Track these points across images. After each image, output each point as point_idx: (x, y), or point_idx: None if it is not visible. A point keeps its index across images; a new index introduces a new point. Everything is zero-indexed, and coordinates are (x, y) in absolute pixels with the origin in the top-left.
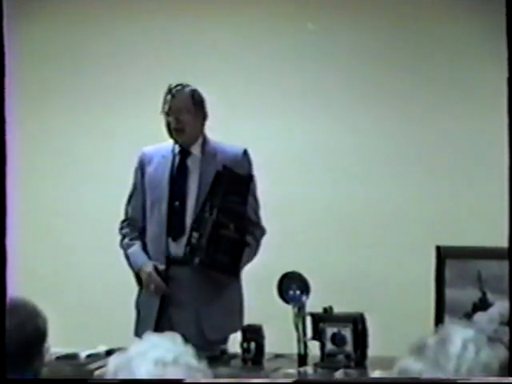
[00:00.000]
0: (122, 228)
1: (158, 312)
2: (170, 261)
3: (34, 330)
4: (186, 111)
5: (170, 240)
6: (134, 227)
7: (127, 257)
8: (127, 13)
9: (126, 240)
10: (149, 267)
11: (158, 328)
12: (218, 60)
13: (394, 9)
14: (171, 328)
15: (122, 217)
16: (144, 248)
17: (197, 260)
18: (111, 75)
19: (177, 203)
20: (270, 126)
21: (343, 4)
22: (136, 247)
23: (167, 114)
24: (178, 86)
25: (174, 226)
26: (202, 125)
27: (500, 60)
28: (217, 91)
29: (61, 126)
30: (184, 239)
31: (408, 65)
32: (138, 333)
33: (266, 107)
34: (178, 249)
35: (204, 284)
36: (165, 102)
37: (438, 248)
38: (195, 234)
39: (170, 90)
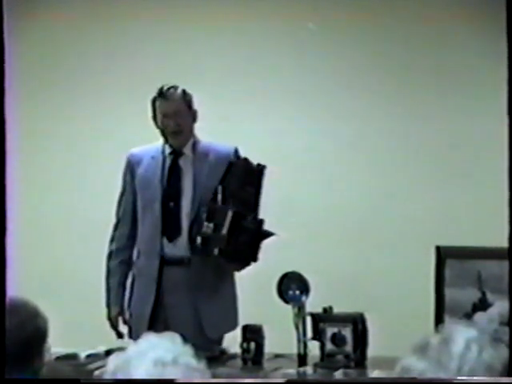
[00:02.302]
0: (112, 240)
1: (151, 313)
2: (165, 261)
3: (34, 330)
4: (182, 113)
5: (165, 240)
6: (123, 236)
7: (107, 284)
8: (126, 12)
9: (112, 263)
10: (112, 312)
11: (154, 329)
12: (213, 59)
13: (394, 9)
14: (168, 329)
15: None
16: (125, 275)
17: (216, 250)
18: (110, 74)
19: (171, 204)
20: (267, 125)
21: (344, 4)
22: (115, 280)
23: (164, 116)
24: (170, 88)
25: (170, 227)
26: (193, 125)
27: (500, 60)
28: (211, 91)
29: (60, 126)
30: (180, 239)
31: (408, 65)
32: (132, 334)
33: (263, 106)
34: (173, 249)
35: (200, 283)
36: (158, 104)
37: (438, 248)
38: (209, 225)
39: (161, 93)
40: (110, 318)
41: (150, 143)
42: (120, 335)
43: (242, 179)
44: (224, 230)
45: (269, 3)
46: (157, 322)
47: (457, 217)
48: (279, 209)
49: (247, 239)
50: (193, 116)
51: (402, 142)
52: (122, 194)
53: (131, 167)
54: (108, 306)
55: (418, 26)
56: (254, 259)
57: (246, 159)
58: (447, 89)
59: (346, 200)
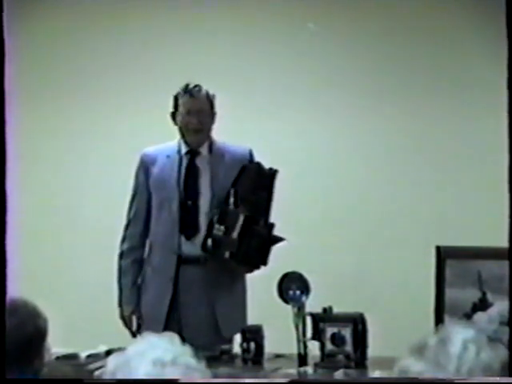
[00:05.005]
0: (123, 239)
1: (168, 312)
2: (182, 260)
3: (34, 330)
4: (205, 112)
5: (182, 239)
6: (136, 236)
7: (119, 283)
8: (127, 12)
9: (123, 262)
10: (126, 311)
11: (168, 329)
12: (220, 59)
13: (393, 8)
14: (182, 328)
15: (122, 217)
16: (138, 274)
17: (227, 254)
18: (112, 74)
19: (189, 202)
20: (273, 126)
21: (344, 3)
22: (128, 279)
23: (187, 113)
24: (196, 86)
25: (187, 225)
26: (212, 126)
27: (500, 60)
28: (220, 91)
29: (61, 127)
30: (197, 238)
31: (409, 65)
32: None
33: (271, 107)
34: (191, 248)
35: (216, 282)
36: (182, 101)
37: (438, 248)
38: (220, 227)
39: (187, 91)
40: (123, 317)
41: (159, 142)
42: (134, 334)
43: (255, 183)
44: (235, 234)
45: (268, 3)
46: (171, 322)
47: (457, 217)
48: (279, 209)
49: (258, 244)
50: (213, 117)
51: (403, 144)
52: (135, 194)
53: (145, 166)
54: (120, 305)
55: (418, 26)
56: (264, 263)
57: (258, 163)
58: (447, 90)
59: (346, 201)
